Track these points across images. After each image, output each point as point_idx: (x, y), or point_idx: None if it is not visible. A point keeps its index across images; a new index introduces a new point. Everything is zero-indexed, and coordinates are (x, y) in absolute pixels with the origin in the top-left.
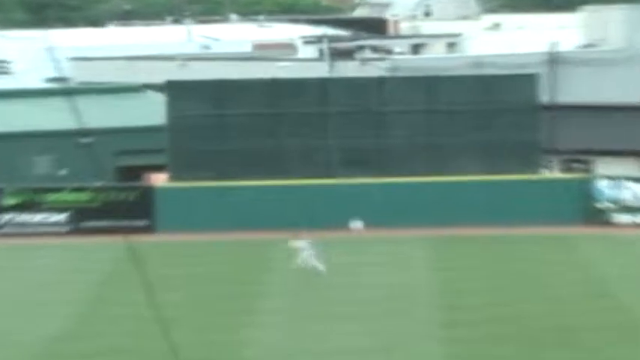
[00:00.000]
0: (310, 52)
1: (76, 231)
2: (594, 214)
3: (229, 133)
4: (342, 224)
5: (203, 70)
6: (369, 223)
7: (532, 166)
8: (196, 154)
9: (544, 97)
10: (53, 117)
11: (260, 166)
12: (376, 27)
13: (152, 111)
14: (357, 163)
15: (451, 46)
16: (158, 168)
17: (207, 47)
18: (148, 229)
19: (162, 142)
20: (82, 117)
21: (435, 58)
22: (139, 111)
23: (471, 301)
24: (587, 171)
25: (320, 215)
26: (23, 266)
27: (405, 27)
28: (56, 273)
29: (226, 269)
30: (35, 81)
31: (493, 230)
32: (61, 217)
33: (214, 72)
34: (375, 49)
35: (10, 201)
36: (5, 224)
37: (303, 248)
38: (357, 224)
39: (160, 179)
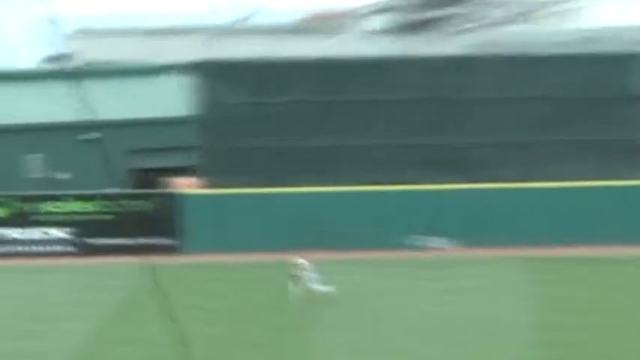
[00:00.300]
0: (374, 24)
1: (81, 251)
2: None
3: (274, 126)
4: (415, 242)
5: (240, 46)
6: (449, 241)
7: None
8: (232, 154)
9: None
10: (51, 106)
11: (312, 169)
12: None
13: (176, 99)
14: (432, 166)
15: (559, 15)
16: (184, 171)
17: (245, 18)
18: (172, 249)
19: (189, 138)
20: (88, 106)
21: (536, 32)
22: (159, 99)
23: (571, 338)
24: None
25: (387, 230)
26: (14, 294)
27: None
28: (55, 304)
29: (271, 299)
30: (29, 60)
31: (604, 250)
32: (62, 232)
33: (254, 49)
34: (457, 19)
35: None
36: None
37: (305, 269)
38: (434, 242)
39: (186, 185)
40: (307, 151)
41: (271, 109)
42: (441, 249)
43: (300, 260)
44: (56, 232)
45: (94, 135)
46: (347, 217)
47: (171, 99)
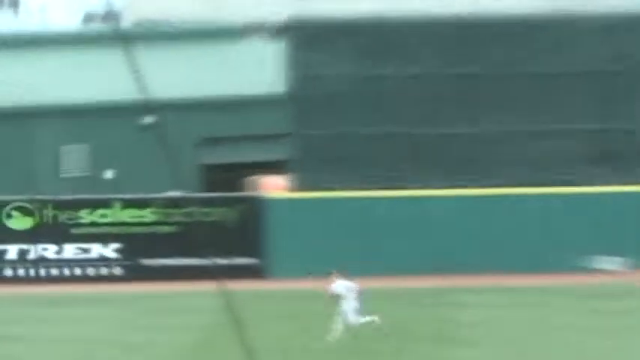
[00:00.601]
0: None
1: (134, 275)
2: None
3: (390, 107)
4: (582, 262)
5: (343, 2)
6: (628, 262)
7: None
8: (335, 144)
9: None
10: (93, 81)
11: (442, 165)
12: None
13: (259, 71)
14: (605, 160)
15: None
16: (271, 167)
17: None
18: (256, 272)
19: (277, 123)
20: (143, 80)
21: None
22: (237, 71)
23: None
24: None
25: (546, 248)
26: (43, 334)
27: None
28: (99, 344)
29: (389, 340)
30: (64, 20)
31: None
32: (108, 250)
33: (361, 6)
34: None
35: (19, 223)
36: (13, 263)
37: (345, 297)
38: (610, 262)
39: (274, 186)
40: (435, 142)
41: (385, 84)
42: (618, 272)
43: (341, 284)
44: (101, 250)
45: (152, 119)
46: (488, 228)
47: (252, 71)
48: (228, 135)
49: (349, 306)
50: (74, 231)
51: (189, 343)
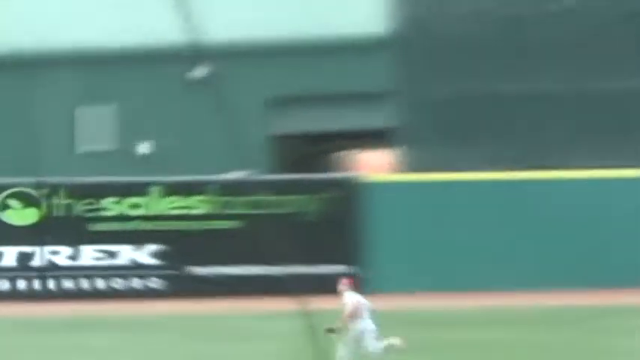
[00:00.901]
0: None
1: (179, 287)
2: None
3: (542, 58)
4: None
5: None
6: None
7: None
8: (462, 109)
9: None
10: (123, 19)
11: (616, 137)
12: None
13: (353, 6)
14: None
15: None
16: (371, 139)
17: None
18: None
19: (379, 78)
20: (193, 20)
21: None
22: (320, 6)
23: None
24: None
25: None
26: None
27: None
28: None
29: None
30: None
31: None
32: (144, 254)
33: None
34: None
35: (20, 216)
36: (11, 271)
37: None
38: None
39: (376, 166)
40: (604, 103)
41: (531, 25)
42: None
43: (350, 297)
44: (132, 254)
45: (204, 72)
46: None
47: (342, 8)
48: (310, 94)
49: (367, 326)
50: (95, 227)
51: None
